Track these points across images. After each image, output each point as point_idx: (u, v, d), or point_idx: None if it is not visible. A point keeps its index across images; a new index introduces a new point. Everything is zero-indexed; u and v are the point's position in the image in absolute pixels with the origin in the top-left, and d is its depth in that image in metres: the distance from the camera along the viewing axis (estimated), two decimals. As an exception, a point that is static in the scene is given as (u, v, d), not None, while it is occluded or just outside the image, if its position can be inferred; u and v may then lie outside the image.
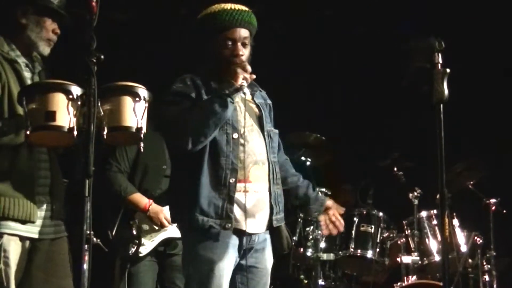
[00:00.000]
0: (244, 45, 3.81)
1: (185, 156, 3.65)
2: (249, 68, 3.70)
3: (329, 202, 4.19)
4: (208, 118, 3.57)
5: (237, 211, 3.69)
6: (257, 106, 3.93)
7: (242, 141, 3.74)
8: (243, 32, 3.81)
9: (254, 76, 3.71)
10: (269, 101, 4.04)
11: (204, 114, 3.58)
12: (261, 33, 3.89)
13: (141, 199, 5.18)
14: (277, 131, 4.03)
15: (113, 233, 5.14)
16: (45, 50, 3.71)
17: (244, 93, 3.76)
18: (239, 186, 3.71)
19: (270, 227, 3.83)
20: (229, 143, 3.71)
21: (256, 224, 3.76)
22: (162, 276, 5.32)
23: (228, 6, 3.81)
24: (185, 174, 3.69)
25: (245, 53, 3.80)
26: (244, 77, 3.65)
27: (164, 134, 3.87)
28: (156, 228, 5.17)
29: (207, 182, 3.65)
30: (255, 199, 3.74)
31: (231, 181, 3.68)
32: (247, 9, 3.85)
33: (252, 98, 3.94)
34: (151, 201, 5.16)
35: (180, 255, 5.13)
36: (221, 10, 3.79)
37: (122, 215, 5.20)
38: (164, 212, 5.12)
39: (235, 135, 3.73)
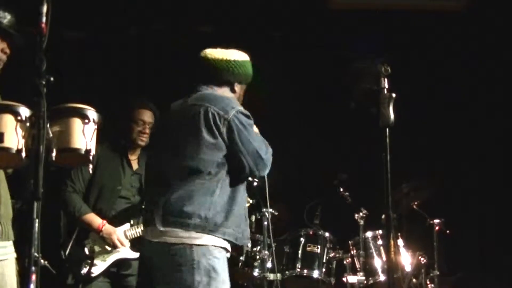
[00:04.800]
0: None
1: (230, 176, 3.86)
2: None
3: None
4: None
5: None
6: None
7: None
8: None
9: None
10: None
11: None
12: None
13: (95, 220, 5.17)
14: None
15: (66, 252, 5.11)
16: (-6, 69, 3.68)
17: None
18: None
19: None
20: None
21: None
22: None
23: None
24: (226, 191, 3.84)
25: None
26: None
27: (248, 158, 3.91)
28: (109, 249, 5.16)
29: (240, 203, 3.89)
30: None
31: (247, 204, 4.02)
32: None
33: None
34: (104, 221, 5.16)
35: (134, 275, 5.18)
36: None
37: (77, 235, 5.18)
38: (117, 233, 5.12)
39: None
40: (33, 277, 2.77)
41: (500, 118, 7.59)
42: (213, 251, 3.74)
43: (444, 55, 7.48)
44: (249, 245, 5.95)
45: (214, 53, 4.08)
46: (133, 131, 5.35)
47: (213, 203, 3.76)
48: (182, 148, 3.82)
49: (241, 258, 6.26)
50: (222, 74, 4.07)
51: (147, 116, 5.37)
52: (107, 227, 5.14)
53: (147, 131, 5.35)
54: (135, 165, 5.44)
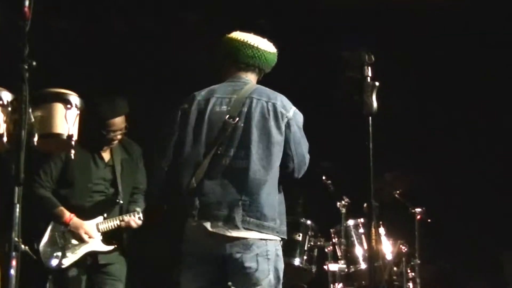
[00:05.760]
0: None
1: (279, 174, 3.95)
2: None
3: None
4: None
5: None
6: None
7: None
8: None
9: None
10: None
11: None
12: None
13: (63, 213, 5.12)
14: None
15: (39, 244, 5.07)
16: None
17: None
18: None
19: None
20: None
21: None
22: (95, 285, 5.28)
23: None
24: (280, 189, 4.01)
25: None
26: None
27: (296, 159, 3.99)
28: (77, 242, 5.12)
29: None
30: None
31: None
32: None
33: None
34: (72, 215, 5.11)
35: (112, 264, 5.14)
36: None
37: (47, 227, 5.15)
38: (85, 227, 5.09)
39: None
40: (13, 262, 2.76)
41: (485, 109, 7.60)
42: (278, 245, 4.00)
43: (425, 46, 7.48)
44: None
45: (263, 44, 4.15)
46: (104, 137, 5.24)
47: (277, 202, 3.96)
48: (256, 147, 3.87)
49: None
50: (267, 66, 4.18)
51: (119, 123, 5.23)
52: (74, 221, 5.10)
53: (119, 136, 5.26)
54: (106, 157, 5.37)
